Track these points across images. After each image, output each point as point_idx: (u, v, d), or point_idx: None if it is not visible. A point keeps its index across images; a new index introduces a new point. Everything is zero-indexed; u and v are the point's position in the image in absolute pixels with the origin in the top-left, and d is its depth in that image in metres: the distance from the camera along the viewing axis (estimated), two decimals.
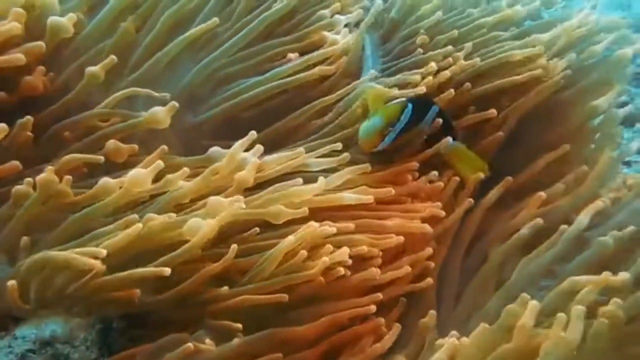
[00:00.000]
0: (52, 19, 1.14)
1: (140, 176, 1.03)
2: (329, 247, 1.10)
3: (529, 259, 1.21)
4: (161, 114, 1.14)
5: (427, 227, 1.22)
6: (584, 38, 1.53)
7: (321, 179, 1.15)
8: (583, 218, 1.21)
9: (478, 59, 1.41)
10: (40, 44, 1.12)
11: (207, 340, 1.03)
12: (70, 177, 1.02)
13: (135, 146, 1.14)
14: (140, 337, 1.03)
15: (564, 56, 1.47)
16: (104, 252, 0.95)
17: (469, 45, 1.43)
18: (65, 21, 1.15)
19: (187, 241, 1.01)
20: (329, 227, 1.10)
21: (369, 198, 1.20)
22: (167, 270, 0.97)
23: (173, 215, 1.02)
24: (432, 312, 1.13)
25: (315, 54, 1.36)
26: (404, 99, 1.31)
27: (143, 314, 1.05)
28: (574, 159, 1.45)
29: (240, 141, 1.13)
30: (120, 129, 1.16)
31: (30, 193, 1.00)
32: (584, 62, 1.51)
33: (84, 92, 1.16)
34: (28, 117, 1.08)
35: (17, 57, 1.09)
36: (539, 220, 1.25)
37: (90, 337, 0.99)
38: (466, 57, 1.42)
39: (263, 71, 1.33)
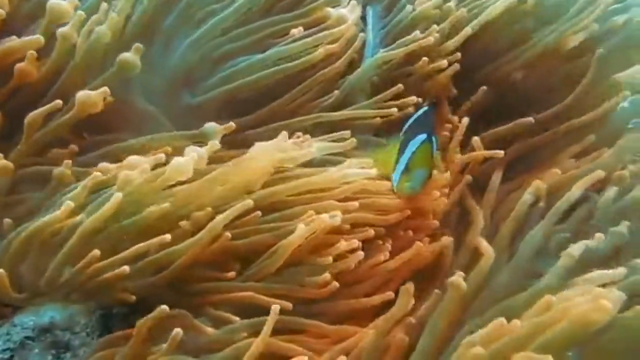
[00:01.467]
0: (52, 3, 1.12)
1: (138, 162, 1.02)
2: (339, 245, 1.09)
3: (536, 232, 1.16)
4: (130, 57, 1.11)
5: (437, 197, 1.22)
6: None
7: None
8: (575, 190, 1.17)
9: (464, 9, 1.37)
10: (39, 38, 1.10)
11: (209, 329, 1.03)
12: None
13: (107, 89, 1.08)
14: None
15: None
16: (72, 204, 0.96)
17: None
18: (66, 5, 1.12)
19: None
20: (337, 217, 1.09)
21: (372, 172, 1.18)
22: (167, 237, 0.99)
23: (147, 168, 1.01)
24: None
25: (322, 34, 1.32)
26: (424, 135, 1.22)
27: (144, 300, 1.05)
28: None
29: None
30: (96, 85, 1.12)
31: None
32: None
33: (63, 61, 1.14)
34: None
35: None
36: (539, 182, 1.20)
37: (91, 323, 1.00)
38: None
39: (264, 48, 1.30)
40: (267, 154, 1.09)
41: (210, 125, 1.15)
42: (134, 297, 1.02)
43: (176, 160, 1.01)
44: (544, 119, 1.38)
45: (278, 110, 1.31)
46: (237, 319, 1.02)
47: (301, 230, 1.05)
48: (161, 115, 1.23)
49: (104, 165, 1.06)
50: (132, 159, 1.02)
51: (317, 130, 1.29)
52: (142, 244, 0.98)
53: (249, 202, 1.04)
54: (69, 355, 0.97)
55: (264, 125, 1.27)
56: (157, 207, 1.01)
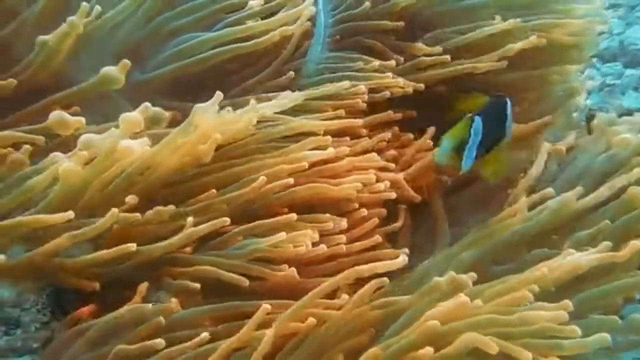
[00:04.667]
0: None
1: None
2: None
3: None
4: (115, 73, 1.09)
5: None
6: None
7: None
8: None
9: None
10: None
11: (173, 300, 1.02)
12: None
13: (83, 119, 1.04)
14: (96, 299, 1.02)
15: None
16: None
17: None
18: None
19: None
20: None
21: (329, 152, 1.19)
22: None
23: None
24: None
25: (281, 16, 1.32)
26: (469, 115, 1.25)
27: None
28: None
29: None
30: (70, 95, 1.13)
31: None
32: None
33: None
34: None
35: None
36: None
37: (42, 300, 0.98)
38: None
39: (214, 23, 1.31)
40: (210, 121, 1.06)
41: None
42: (96, 285, 1.00)
43: (127, 142, 1.00)
44: None
45: (230, 88, 1.32)
46: (198, 285, 1.03)
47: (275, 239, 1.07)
48: (117, 96, 1.22)
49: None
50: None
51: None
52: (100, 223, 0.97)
53: (225, 219, 1.04)
54: (19, 332, 0.95)
55: None
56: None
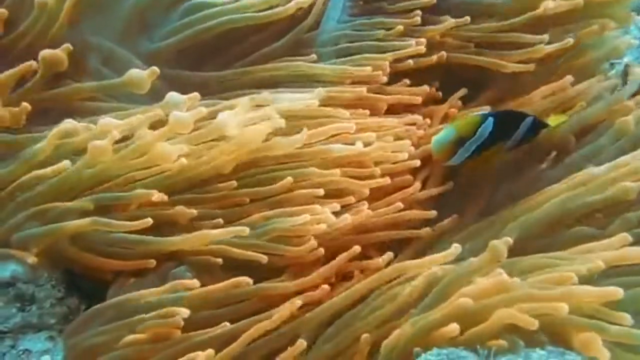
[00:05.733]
0: None
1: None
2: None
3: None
4: (143, 77, 1.02)
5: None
6: None
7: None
8: None
9: None
10: None
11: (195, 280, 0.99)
12: None
13: (70, 45, 1.02)
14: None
15: None
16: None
17: None
18: None
19: None
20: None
21: (356, 148, 1.14)
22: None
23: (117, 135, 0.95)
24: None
25: None
26: (486, 112, 1.22)
27: None
28: None
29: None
30: (94, 89, 1.10)
31: None
32: None
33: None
34: None
35: None
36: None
37: (55, 275, 0.96)
38: None
39: None
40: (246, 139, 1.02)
41: (175, 96, 1.03)
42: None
43: (161, 146, 0.96)
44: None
45: (242, 56, 1.27)
46: (219, 260, 1.00)
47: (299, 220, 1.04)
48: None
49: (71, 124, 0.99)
50: (103, 122, 0.96)
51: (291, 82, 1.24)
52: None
53: (244, 229, 1.00)
54: (34, 307, 0.94)
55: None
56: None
